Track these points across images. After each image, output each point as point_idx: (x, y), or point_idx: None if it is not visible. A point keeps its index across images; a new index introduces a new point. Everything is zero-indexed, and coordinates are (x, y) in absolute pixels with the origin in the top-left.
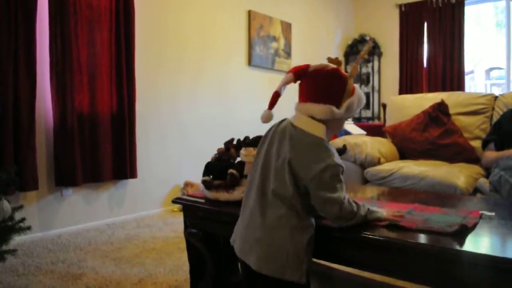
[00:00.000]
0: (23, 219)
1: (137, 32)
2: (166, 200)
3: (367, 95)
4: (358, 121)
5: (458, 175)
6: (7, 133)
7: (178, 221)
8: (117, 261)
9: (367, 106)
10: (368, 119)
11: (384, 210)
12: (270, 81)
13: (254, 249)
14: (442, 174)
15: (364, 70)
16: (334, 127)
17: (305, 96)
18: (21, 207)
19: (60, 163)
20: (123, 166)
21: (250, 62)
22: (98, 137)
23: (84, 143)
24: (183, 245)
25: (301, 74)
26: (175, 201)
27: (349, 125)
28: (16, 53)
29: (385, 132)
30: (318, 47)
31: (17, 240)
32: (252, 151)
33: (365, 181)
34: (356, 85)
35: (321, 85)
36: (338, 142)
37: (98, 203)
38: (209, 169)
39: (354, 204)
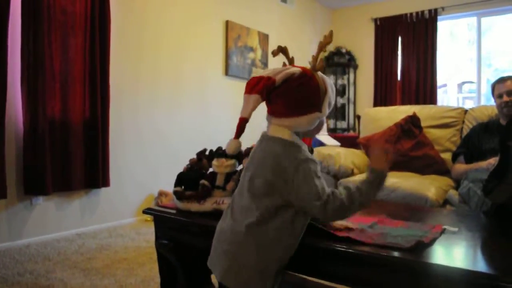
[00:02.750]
0: None
1: (113, 38)
2: (140, 210)
3: (343, 106)
4: (333, 132)
5: (429, 187)
6: None
7: (151, 231)
8: (86, 272)
9: (342, 117)
10: (343, 130)
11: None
12: None
13: (220, 260)
14: (413, 186)
15: (340, 81)
16: (316, 129)
17: (282, 112)
18: None
19: (29, 170)
20: (95, 175)
21: (227, 72)
22: (70, 144)
23: (55, 150)
24: (156, 255)
25: (268, 92)
26: (145, 211)
27: (323, 136)
28: None
29: (359, 143)
30: (294, 58)
31: None
32: (224, 162)
33: None
34: (320, 74)
35: (299, 97)
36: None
37: (69, 212)
38: (181, 179)
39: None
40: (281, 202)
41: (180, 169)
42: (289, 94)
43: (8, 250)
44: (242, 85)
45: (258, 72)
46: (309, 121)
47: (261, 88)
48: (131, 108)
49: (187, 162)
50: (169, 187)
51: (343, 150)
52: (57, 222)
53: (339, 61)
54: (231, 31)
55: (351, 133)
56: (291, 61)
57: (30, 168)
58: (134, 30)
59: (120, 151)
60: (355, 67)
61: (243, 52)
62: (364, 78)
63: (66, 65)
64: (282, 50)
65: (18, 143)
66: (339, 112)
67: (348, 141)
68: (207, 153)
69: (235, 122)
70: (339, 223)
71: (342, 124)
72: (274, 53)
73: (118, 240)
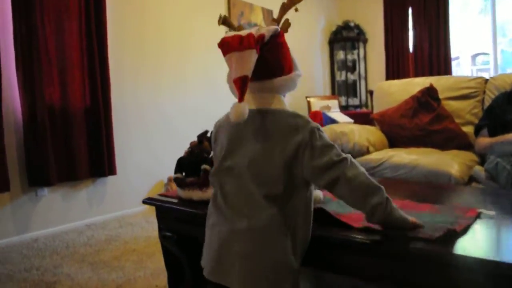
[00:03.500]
0: None
1: (111, 19)
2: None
3: (354, 82)
4: (345, 109)
5: (451, 163)
6: None
7: None
8: (94, 265)
9: (354, 94)
10: (356, 107)
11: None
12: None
13: (238, 266)
14: (435, 162)
15: (349, 57)
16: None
17: (267, 71)
18: None
19: (32, 161)
20: (100, 163)
21: None
22: (72, 132)
23: (57, 139)
24: None
25: (259, 46)
26: (145, 201)
27: (335, 113)
28: None
29: (373, 119)
30: (301, 34)
31: None
32: None
33: None
34: None
35: (287, 53)
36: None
37: (76, 202)
38: (181, 165)
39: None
40: (299, 179)
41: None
42: (278, 50)
43: (16, 244)
44: None
45: (228, 34)
46: (293, 81)
47: (254, 43)
48: (134, 92)
49: (188, 146)
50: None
51: (356, 127)
52: (65, 214)
53: (348, 36)
54: (234, 8)
55: (364, 109)
56: (238, 29)
57: (33, 159)
58: (133, 10)
59: (124, 138)
60: (365, 41)
61: (247, 29)
62: (375, 53)
63: (63, 49)
64: (225, 20)
65: (18, 134)
66: (350, 89)
67: (361, 118)
68: (208, 134)
69: None
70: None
71: (354, 101)
72: (219, 22)
73: (128, 230)
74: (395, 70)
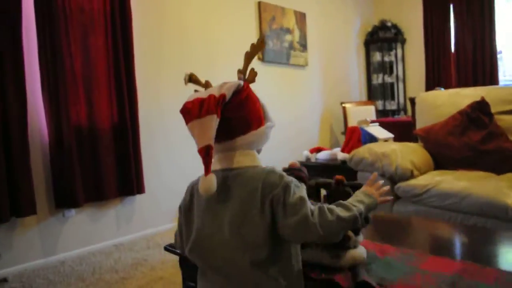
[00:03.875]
0: None
1: (136, 34)
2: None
3: (391, 85)
4: (383, 114)
5: (508, 191)
6: None
7: None
8: None
9: (391, 97)
10: (393, 112)
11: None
12: (286, 77)
13: None
14: (490, 191)
15: (386, 58)
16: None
17: (233, 130)
18: None
19: (59, 183)
20: (128, 182)
21: (263, 58)
22: (99, 151)
23: (84, 159)
24: None
25: (221, 111)
26: (167, 248)
27: (374, 128)
28: (1, 65)
29: (416, 135)
30: (336, 36)
31: (18, 268)
32: None
33: (397, 198)
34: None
35: (254, 108)
36: (363, 151)
37: (104, 222)
38: None
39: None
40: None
41: None
42: (242, 108)
43: (43, 268)
44: (280, 71)
45: (191, 97)
46: (267, 132)
47: (214, 106)
48: (160, 109)
49: None
50: None
51: (399, 146)
52: (92, 234)
53: (385, 36)
54: (265, 13)
55: (404, 117)
56: (206, 85)
57: (59, 180)
58: (157, 23)
59: (152, 155)
60: (403, 42)
61: (279, 34)
62: (414, 53)
63: (89, 67)
64: (191, 78)
65: (44, 155)
66: (387, 92)
67: (402, 127)
68: None
69: (275, 114)
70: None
71: (392, 105)
72: (186, 81)
73: (156, 252)
74: (435, 71)
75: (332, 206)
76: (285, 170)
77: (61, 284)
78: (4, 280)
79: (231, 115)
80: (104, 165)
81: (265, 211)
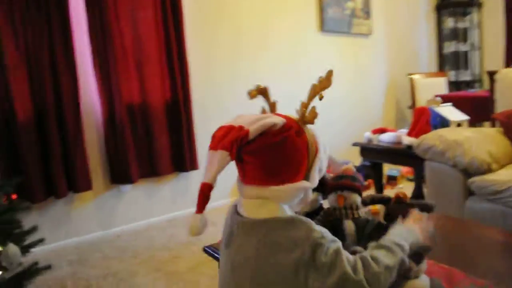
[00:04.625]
0: (35, 264)
1: (185, 6)
2: (234, 190)
3: (465, 54)
4: (455, 87)
5: None
6: (52, 132)
7: None
8: (169, 276)
9: (464, 66)
10: (467, 83)
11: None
12: (347, 47)
13: None
14: None
15: (460, 24)
16: (303, 200)
17: (256, 177)
18: (34, 229)
19: (113, 160)
20: (182, 158)
21: (322, 28)
22: (152, 128)
23: (137, 136)
24: None
25: (239, 147)
26: (207, 250)
27: (446, 109)
28: (51, 44)
29: (495, 119)
30: (402, 1)
31: (77, 240)
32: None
33: (469, 194)
34: (311, 129)
35: (279, 159)
36: (432, 138)
37: (158, 198)
38: None
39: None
40: None
41: None
42: (266, 153)
43: (99, 241)
44: (341, 41)
45: (233, 120)
46: (290, 194)
47: (229, 143)
48: (211, 81)
49: None
50: None
51: (474, 134)
52: (147, 209)
53: (458, 0)
54: None
55: (480, 91)
56: (272, 106)
57: (114, 157)
58: None
59: (205, 131)
60: (479, 6)
61: (339, 1)
62: (491, 19)
63: (139, 42)
64: (262, 91)
65: (98, 133)
66: (461, 61)
67: (478, 103)
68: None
69: (335, 87)
70: None
71: (466, 75)
72: (251, 95)
73: (209, 230)
74: None
75: (375, 253)
76: (337, 177)
77: (115, 260)
78: (48, 267)
79: (249, 158)
80: (158, 142)
81: (282, 273)
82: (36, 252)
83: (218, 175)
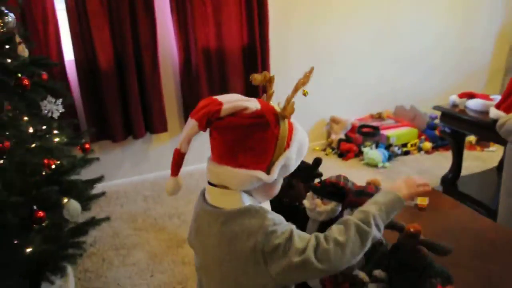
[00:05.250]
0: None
1: None
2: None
3: None
4: None
5: None
6: (131, 77)
7: None
8: None
9: None
10: None
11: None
12: None
13: None
14: None
15: None
16: (265, 192)
17: (218, 154)
18: (100, 178)
19: (188, 103)
20: None
21: None
22: (228, 73)
23: (212, 80)
24: None
25: (208, 122)
26: None
27: None
28: None
29: None
30: None
31: (153, 176)
32: (319, 203)
33: None
34: (294, 124)
35: (241, 141)
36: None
37: None
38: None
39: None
40: None
41: (352, 94)
42: (230, 133)
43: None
44: None
45: (222, 95)
46: (241, 179)
47: (201, 115)
48: (290, 29)
49: (368, 84)
50: (341, 113)
51: None
52: None
53: None
54: None
55: None
56: (269, 96)
57: (189, 100)
58: None
59: (282, 79)
60: None
61: None
62: None
63: None
64: (267, 80)
65: (175, 77)
66: None
67: None
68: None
69: (422, 22)
70: None
71: None
72: (254, 80)
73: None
74: None
75: (331, 230)
76: (358, 192)
77: (183, 200)
78: (103, 194)
79: (216, 134)
80: (232, 87)
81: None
82: (118, 184)
83: (188, 143)
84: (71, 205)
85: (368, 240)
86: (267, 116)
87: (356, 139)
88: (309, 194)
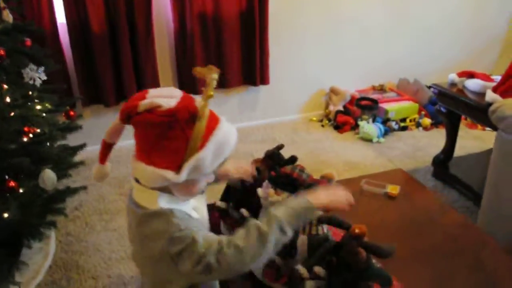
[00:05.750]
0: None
1: None
2: (307, 106)
3: None
4: None
5: None
6: (124, 40)
7: (312, 136)
8: None
9: None
10: None
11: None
12: None
13: None
14: None
15: None
16: (184, 190)
17: (136, 149)
18: (82, 146)
19: (182, 68)
20: (253, 72)
21: None
22: (224, 39)
23: (208, 46)
24: None
25: (127, 117)
26: None
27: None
28: None
29: None
30: None
31: None
32: (272, 193)
33: None
34: (221, 122)
35: (152, 139)
36: (511, 105)
37: (226, 108)
38: (229, 192)
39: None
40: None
41: (352, 65)
42: (143, 129)
43: None
44: None
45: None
46: (150, 177)
47: (124, 108)
48: None
49: (372, 55)
50: (339, 83)
51: None
52: None
53: None
54: None
55: None
56: (207, 95)
57: (183, 66)
58: None
59: (281, 45)
60: None
61: None
62: None
63: None
64: (211, 72)
65: (170, 41)
66: None
67: None
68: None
69: None
70: None
71: None
72: (196, 73)
73: (266, 147)
74: None
75: (235, 235)
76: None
77: None
78: (81, 163)
79: (134, 129)
80: (229, 53)
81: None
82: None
83: (114, 134)
84: (45, 174)
85: (269, 243)
86: (178, 116)
87: (354, 111)
88: (265, 183)
